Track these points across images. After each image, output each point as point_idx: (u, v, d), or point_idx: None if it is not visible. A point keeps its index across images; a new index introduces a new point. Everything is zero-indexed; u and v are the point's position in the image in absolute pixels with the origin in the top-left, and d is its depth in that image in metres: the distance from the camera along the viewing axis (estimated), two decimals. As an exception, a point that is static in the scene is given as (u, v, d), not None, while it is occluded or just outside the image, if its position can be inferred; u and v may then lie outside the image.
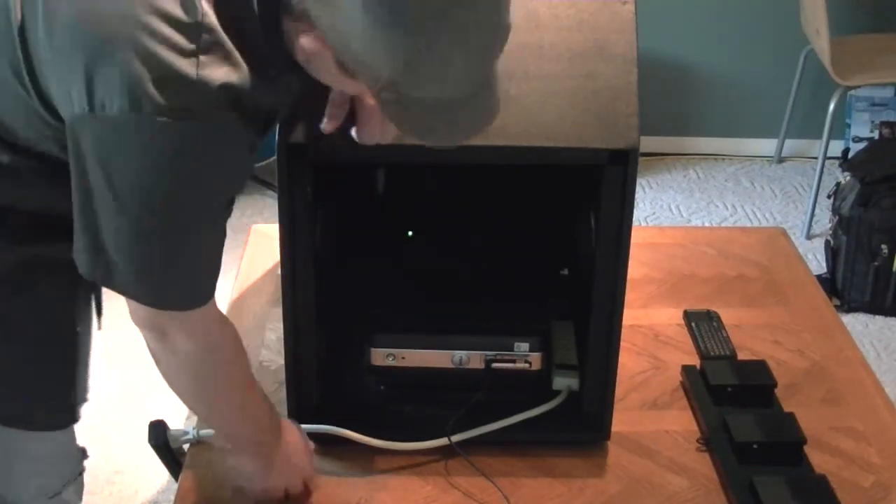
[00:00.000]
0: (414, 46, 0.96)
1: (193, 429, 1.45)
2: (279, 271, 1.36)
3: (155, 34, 0.99)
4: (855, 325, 2.98)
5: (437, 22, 0.95)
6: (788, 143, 3.88)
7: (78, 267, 1.12)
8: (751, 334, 1.72)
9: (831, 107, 3.31)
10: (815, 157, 3.50)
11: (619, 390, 1.42)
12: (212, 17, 1.01)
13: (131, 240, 1.08)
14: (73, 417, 1.40)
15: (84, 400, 1.41)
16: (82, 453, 1.49)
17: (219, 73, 1.01)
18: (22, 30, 1.05)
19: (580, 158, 1.25)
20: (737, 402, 1.52)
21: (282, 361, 1.41)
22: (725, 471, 1.41)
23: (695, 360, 1.63)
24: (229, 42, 1.02)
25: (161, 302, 1.13)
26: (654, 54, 3.70)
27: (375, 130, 1.18)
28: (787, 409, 1.52)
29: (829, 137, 3.37)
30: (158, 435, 1.44)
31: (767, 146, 3.92)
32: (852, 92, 3.70)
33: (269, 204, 3.43)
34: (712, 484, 1.41)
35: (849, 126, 3.82)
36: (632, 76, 1.26)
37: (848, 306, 3.06)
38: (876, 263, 3.00)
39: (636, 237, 1.33)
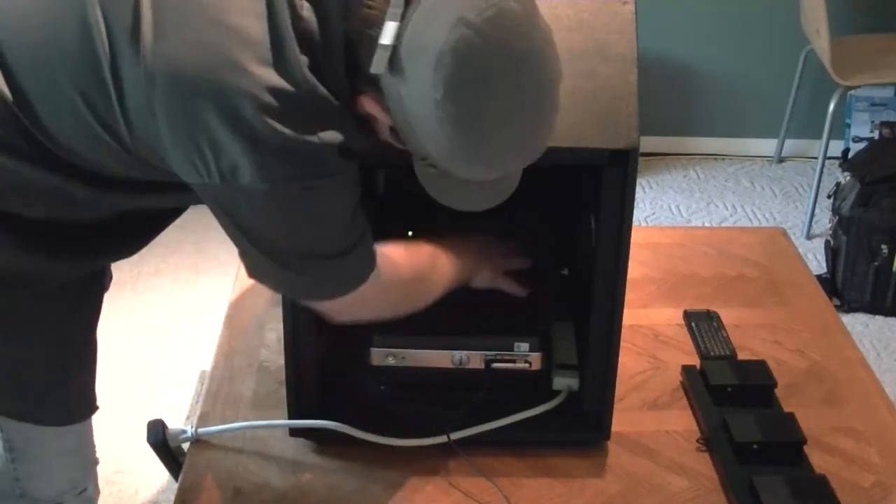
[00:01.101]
0: (469, 147, 1.04)
1: (192, 428, 1.45)
2: (279, 271, 1.35)
3: (272, 111, 1.03)
4: (855, 325, 2.98)
5: (499, 133, 1.04)
6: (788, 143, 3.88)
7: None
8: (751, 334, 1.72)
9: (831, 107, 3.31)
10: (815, 157, 3.50)
11: (619, 390, 1.41)
12: (316, 84, 1.05)
13: (291, 274, 1.17)
14: (93, 407, 1.42)
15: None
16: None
17: (332, 134, 1.07)
18: (118, 80, 1.07)
19: (580, 158, 1.25)
20: (737, 402, 1.52)
21: (282, 361, 1.41)
22: (725, 471, 1.41)
23: (695, 360, 1.63)
24: (334, 101, 1.07)
25: (333, 294, 1.22)
26: (654, 54, 3.70)
27: None
28: (787, 409, 1.52)
29: (829, 137, 3.37)
30: (157, 434, 1.44)
31: (767, 146, 3.92)
32: (852, 92, 3.70)
33: (268, 204, 3.42)
34: (712, 484, 1.41)
35: (849, 126, 3.82)
36: (632, 76, 1.26)
37: (848, 306, 3.06)
38: (876, 263, 3.00)
39: (636, 237, 1.33)
